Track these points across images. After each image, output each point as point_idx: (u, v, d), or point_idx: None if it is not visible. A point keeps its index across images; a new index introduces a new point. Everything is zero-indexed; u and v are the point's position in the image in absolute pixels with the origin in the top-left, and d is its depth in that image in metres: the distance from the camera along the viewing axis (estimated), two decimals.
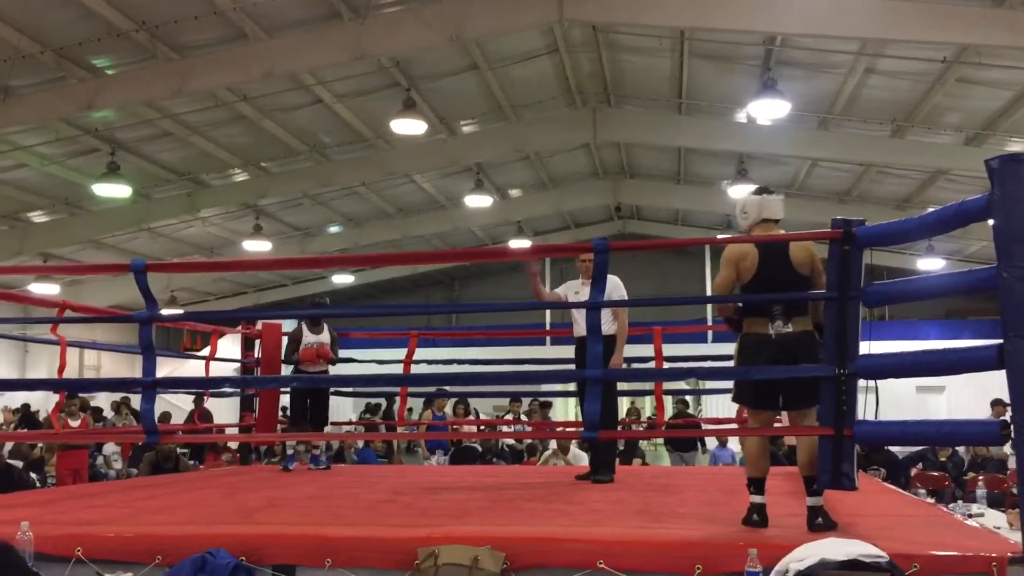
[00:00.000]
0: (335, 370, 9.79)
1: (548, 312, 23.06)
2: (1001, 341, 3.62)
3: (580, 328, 6.54)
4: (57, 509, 5.39)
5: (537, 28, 12.65)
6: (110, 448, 12.93)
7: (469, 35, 11.89)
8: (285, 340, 8.72)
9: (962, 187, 15.82)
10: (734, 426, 9.18)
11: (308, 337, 8.32)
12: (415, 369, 9.38)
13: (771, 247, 4.46)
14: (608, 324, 6.49)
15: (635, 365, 9.40)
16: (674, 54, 13.41)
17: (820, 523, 4.20)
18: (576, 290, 6.89)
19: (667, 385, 9.76)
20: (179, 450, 11.08)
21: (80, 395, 11.56)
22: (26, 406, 15.57)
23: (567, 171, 20.16)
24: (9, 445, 11.59)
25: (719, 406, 19.29)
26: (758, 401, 4.52)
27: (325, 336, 8.41)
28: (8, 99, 11.87)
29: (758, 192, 4.68)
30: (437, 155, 16.83)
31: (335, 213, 20.25)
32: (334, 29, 11.66)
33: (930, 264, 20.39)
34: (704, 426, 13.80)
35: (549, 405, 14.22)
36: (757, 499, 4.44)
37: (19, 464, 10.77)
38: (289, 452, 8.61)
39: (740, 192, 4.17)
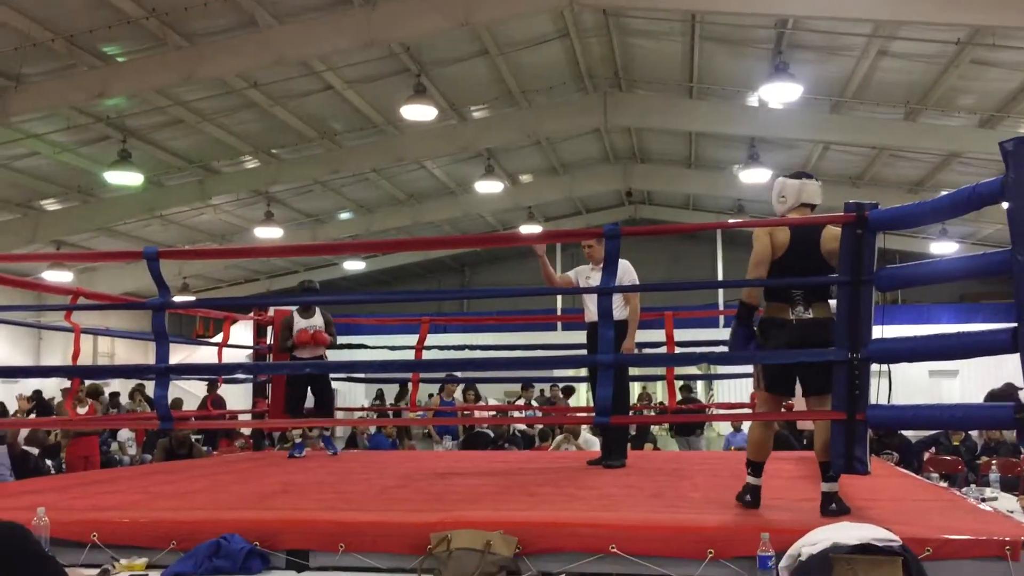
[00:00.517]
0: (345, 355, 9.82)
1: (559, 297, 23.09)
2: (1015, 324, 3.60)
3: (591, 313, 6.54)
4: (73, 495, 5.43)
5: (547, 12, 12.59)
6: (125, 434, 13.01)
7: (479, 20, 11.85)
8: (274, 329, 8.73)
9: (976, 170, 15.71)
10: (747, 411, 9.18)
11: (300, 323, 8.31)
12: (427, 355, 9.40)
13: (803, 232, 4.44)
14: (619, 309, 6.48)
15: (646, 350, 9.40)
16: (685, 38, 13.34)
17: (834, 508, 4.20)
18: (587, 275, 6.87)
19: (678, 370, 9.74)
20: (192, 436, 11.14)
21: (92, 382, 11.63)
22: (38, 393, 15.67)
23: (578, 156, 20.11)
24: (24, 432, 11.67)
25: (732, 391, 19.29)
26: (773, 384, 4.54)
27: (318, 320, 8.36)
28: (20, 87, 11.91)
29: (796, 176, 4.65)
30: (447, 141, 16.80)
31: (346, 200, 20.27)
32: (344, 15, 11.64)
33: (943, 248, 20.28)
34: (715, 411, 13.82)
35: (572, 391, 14.20)
36: (753, 480, 4.54)
37: (35, 451, 10.84)
38: (297, 440, 8.55)
39: (776, 178, 4.15)
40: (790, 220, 4.54)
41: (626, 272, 6.54)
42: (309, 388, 8.47)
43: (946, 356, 4.39)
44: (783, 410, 4.83)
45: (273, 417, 9.13)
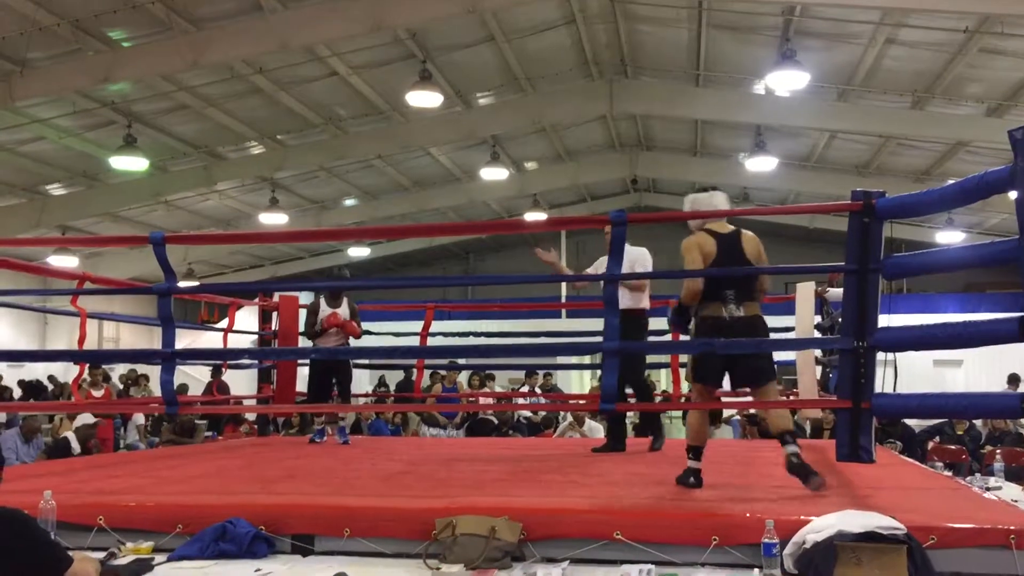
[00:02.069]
0: (350, 342, 9.81)
1: (563, 285, 23.07)
2: (1022, 314, 3.59)
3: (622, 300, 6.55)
4: (79, 478, 5.46)
5: None
6: (140, 419, 12.99)
7: (485, 6, 11.80)
8: (303, 313, 8.62)
9: (983, 159, 15.65)
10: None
11: (326, 310, 8.09)
12: (431, 342, 9.39)
13: (728, 239, 4.86)
14: (628, 297, 6.54)
15: (651, 338, 9.38)
16: (692, 24, 13.28)
17: (796, 463, 4.53)
18: (603, 263, 6.86)
19: (683, 358, 9.74)
20: (197, 421, 11.18)
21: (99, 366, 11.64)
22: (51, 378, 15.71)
23: (583, 143, 20.06)
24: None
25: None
26: (704, 376, 4.95)
27: (344, 309, 8.15)
28: (25, 71, 11.90)
29: (704, 191, 5.15)
30: (453, 128, 16.77)
31: (351, 186, 20.25)
32: (350, 1, 11.59)
33: (949, 237, 20.21)
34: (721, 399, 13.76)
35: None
36: (695, 464, 4.88)
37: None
38: (318, 427, 8.44)
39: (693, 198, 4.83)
40: (791, 208, 4.54)
41: (638, 260, 6.57)
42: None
43: (953, 345, 4.38)
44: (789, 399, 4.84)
45: (278, 403, 9.15)
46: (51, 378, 15.87)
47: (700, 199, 5.03)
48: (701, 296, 4.80)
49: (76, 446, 9.02)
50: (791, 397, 9.23)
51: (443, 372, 12.99)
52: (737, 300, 4.73)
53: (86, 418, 9.23)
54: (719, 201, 5.01)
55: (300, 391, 9.73)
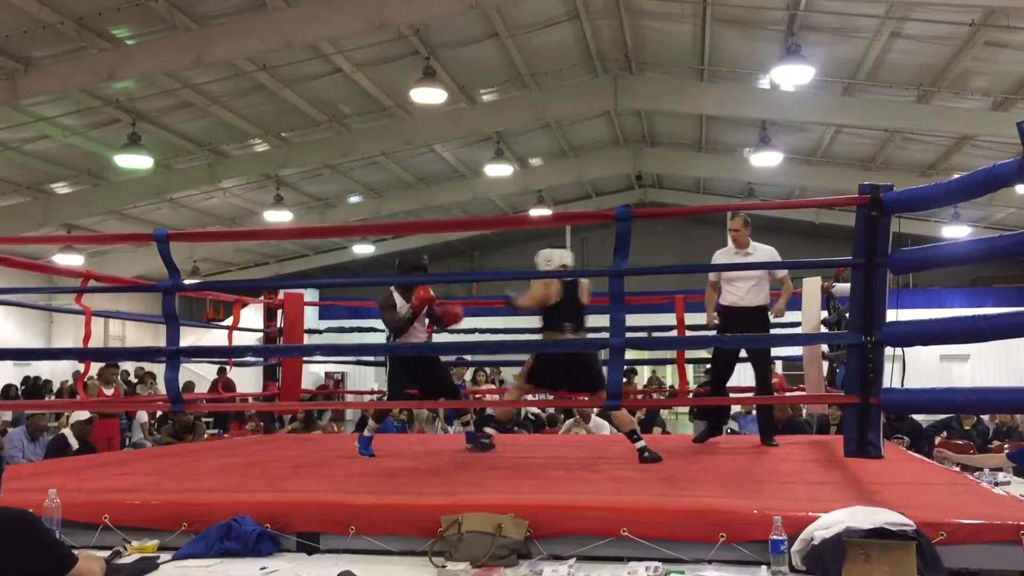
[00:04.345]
0: (355, 339, 9.78)
1: None
2: None
3: (731, 296, 6.66)
4: (84, 477, 5.45)
5: None
6: (144, 417, 13.01)
7: (489, 2, 11.79)
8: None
9: (989, 153, 15.59)
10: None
11: (401, 302, 6.95)
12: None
13: (568, 287, 5.95)
14: (761, 293, 6.65)
15: (656, 334, 9.36)
16: (696, 20, 13.25)
17: (648, 456, 5.59)
18: (730, 260, 6.87)
19: (689, 354, 9.72)
20: (196, 417, 11.16)
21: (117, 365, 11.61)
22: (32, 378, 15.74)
23: (587, 139, 20.04)
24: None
25: (740, 375, 19.22)
26: (538, 381, 6.08)
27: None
28: (30, 70, 11.91)
29: (554, 247, 6.23)
30: (457, 124, 16.75)
31: (355, 183, 20.26)
32: None
33: (956, 231, 20.17)
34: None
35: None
36: (642, 442, 5.77)
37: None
38: (368, 434, 6.94)
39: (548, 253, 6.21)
40: (797, 203, 4.52)
41: (772, 256, 6.63)
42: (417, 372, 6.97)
43: (962, 340, 4.34)
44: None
45: (284, 400, 9.14)
46: (35, 378, 15.83)
47: (555, 253, 6.12)
48: (544, 324, 6.03)
49: (74, 442, 9.01)
50: (797, 392, 9.22)
51: (452, 368, 12.94)
52: (574, 330, 5.90)
53: (81, 414, 9.20)
54: (563, 254, 6.17)
55: (305, 388, 9.72)
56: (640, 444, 5.75)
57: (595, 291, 6.25)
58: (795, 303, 7.86)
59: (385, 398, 8.09)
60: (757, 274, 6.61)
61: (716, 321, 6.77)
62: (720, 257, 6.95)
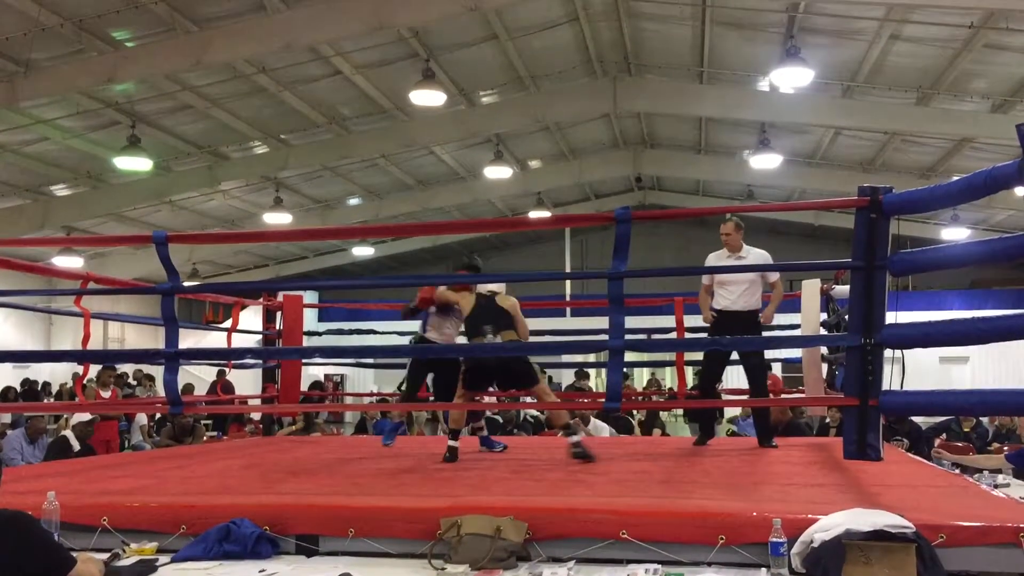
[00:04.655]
0: (355, 341, 9.76)
1: (568, 283, 23.05)
2: None
3: (721, 300, 6.70)
4: (83, 479, 5.44)
5: None
6: (142, 419, 13.00)
7: (488, 4, 11.76)
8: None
9: (988, 155, 15.60)
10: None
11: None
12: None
13: (486, 299, 6.43)
14: (753, 298, 6.68)
15: (656, 336, 9.36)
16: (695, 22, 13.25)
17: (578, 451, 5.83)
18: (723, 264, 6.88)
19: (688, 356, 9.72)
20: (195, 420, 11.14)
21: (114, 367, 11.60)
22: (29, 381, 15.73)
23: (587, 142, 20.03)
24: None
25: (739, 376, 19.19)
26: (470, 384, 6.39)
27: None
28: (29, 72, 11.90)
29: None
30: (456, 126, 16.75)
31: (355, 185, 20.26)
32: (353, 0, 11.58)
33: (955, 234, 20.16)
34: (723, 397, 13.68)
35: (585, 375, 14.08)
36: (454, 443, 6.21)
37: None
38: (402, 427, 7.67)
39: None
40: (796, 205, 4.52)
41: (762, 257, 6.68)
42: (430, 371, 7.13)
43: (962, 342, 4.35)
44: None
45: (283, 402, 9.13)
46: (33, 381, 15.79)
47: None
48: (468, 333, 6.47)
49: (75, 444, 9.00)
50: (796, 395, 9.22)
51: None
52: (494, 333, 6.20)
53: (83, 416, 9.20)
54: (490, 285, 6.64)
55: (303, 391, 9.71)
56: (574, 439, 6.01)
57: (595, 294, 6.28)
58: (794, 305, 7.87)
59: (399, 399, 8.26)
60: (749, 278, 6.63)
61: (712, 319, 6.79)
62: (713, 260, 6.94)
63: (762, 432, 6.94)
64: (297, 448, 7.78)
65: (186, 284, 7.61)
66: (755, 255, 6.74)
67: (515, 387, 6.39)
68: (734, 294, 6.63)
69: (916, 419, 9.48)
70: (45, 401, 16.64)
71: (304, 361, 9.36)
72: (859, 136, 17.04)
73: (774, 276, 6.78)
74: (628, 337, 4.86)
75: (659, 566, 3.53)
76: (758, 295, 6.73)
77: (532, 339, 9.69)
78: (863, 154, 18.10)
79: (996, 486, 5.81)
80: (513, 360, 6.30)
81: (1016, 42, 11.97)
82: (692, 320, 9.01)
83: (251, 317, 11.54)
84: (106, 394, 10.83)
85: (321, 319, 21.76)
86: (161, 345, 5.62)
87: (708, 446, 7.06)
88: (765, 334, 6.83)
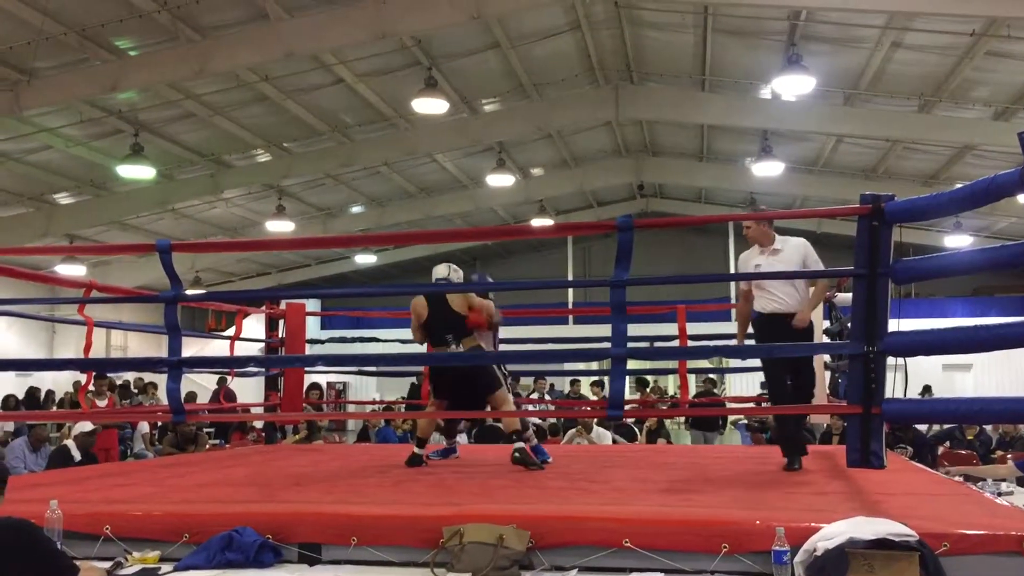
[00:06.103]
0: (357, 349, 9.73)
1: (571, 291, 23.07)
2: None
3: (762, 302, 5.82)
4: (86, 487, 5.44)
5: (559, 5, 12.54)
6: (145, 428, 13.00)
7: (490, 13, 11.80)
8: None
9: (990, 163, 15.61)
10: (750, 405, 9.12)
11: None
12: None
13: (434, 301, 6.36)
14: (798, 298, 5.77)
15: (658, 344, 9.37)
16: (697, 30, 13.27)
17: (519, 457, 5.91)
18: (755, 262, 5.92)
19: (691, 363, 9.72)
20: (198, 428, 11.15)
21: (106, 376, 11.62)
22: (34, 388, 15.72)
23: (589, 149, 20.05)
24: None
25: (743, 384, 19.24)
26: (441, 395, 6.47)
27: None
28: (33, 81, 11.94)
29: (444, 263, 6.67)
30: (459, 134, 16.77)
31: (357, 193, 20.28)
32: (355, 8, 11.62)
33: (957, 241, 20.16)
34: (727, 405, 13.71)
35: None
36: (419, 451, 6.44)
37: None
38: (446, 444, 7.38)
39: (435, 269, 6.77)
40: (798, 213, 4.51)
41: (799, 250, 5.78)
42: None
43: (964, 350, 4.34)
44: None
45: (285, 410, 9.13)
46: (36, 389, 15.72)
47: (460, 272, 6.62)
48: (429, 339, 6.44)
49: (76, 454, 9.00)
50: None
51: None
52: (456, 340, 6.25)
53: (84, 425, 9.21)
54: (438, 270, 6.56)
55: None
56: (518, 445, 6.03)
57: (598, 301, 6.27)
58: None
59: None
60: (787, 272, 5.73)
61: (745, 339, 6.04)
62: (744, 259, 6.08)
63: (787, 448, 5.97)
64: (299, 456, 7.78)
65: (189, 292, 7.62)
66: (792, 245, 5.80)
67: (479, 395, 6.30)
68: (778, 294, 5.73)
69: (919, 427, 9.48)
70: (49, 410, 16.63)
71: (307, 369, 9.34)
72: (861, 144, 17.04)
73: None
74: (630, 345, 4.84)
75: (662, 574, 3.53)
76: (804, 290, 5.83)
77: (534, 347, 9.75)
78: (865, 161, 18.11)
79: (1000, 494, 5.80)
80: (477, 370, 6.27)
81: (1018, 50, 11.98)
82: (694, 328, 9.03)
83: (254, 325, 11.52)
84: (102, 403, 10.82)
85: (324, 327, 21.77)
86: (164, 353, 5.63)
87: (710, 454, 7.02)
88: None
